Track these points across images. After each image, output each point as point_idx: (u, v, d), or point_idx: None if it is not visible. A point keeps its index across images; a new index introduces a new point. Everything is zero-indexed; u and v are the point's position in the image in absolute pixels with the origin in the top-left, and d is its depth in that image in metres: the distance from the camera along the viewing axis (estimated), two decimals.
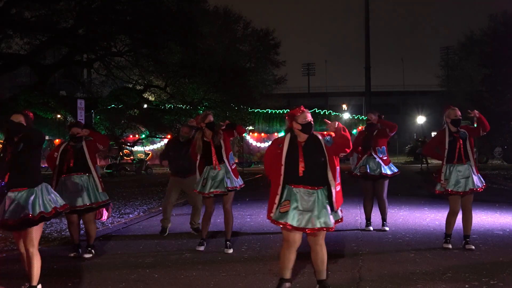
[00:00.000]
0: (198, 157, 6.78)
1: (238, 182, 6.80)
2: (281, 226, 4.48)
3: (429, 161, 29.18)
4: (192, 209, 8.30)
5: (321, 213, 4.44)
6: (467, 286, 4.92)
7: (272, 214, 4.57)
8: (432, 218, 9.14)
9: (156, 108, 26.14)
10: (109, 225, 8.98)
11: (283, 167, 4.55)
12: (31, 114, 4.84)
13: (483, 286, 4.90)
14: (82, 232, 7.02)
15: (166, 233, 8.01)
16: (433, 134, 55.20)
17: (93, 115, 26.11)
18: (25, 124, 4.69)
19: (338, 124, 4.52)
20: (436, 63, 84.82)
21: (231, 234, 6.85)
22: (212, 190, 6.63)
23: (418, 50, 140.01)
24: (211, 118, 6.72)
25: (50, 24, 21.53)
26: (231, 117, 25.54)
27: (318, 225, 4.41)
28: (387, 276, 5.32)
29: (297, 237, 4.53)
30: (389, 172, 7.85)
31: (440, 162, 6.65)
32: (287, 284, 4.64)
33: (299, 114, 4.60)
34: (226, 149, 6.70)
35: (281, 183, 4.55)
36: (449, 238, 6.62)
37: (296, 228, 4.42)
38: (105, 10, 21.24)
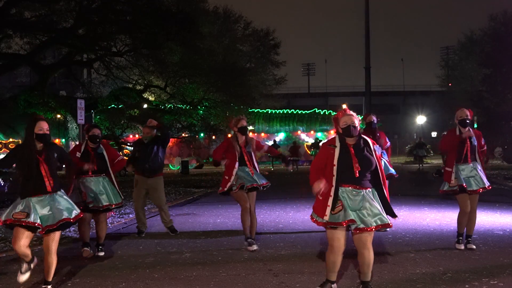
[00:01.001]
0: (225, 159, 6.87)
1: (263, 180, 6.92)
2: (338, 226, 4.41)
3: (427, 161, 29.21)
4: (159, 210, 8.24)
5: (372, 212, 4.38)
6: (467, 286, 4.92)
7: (326, 217, 4.46)
8: (432, 218, 9.14)
9: (156, 108, 26.13)
10: (109, 225, 8.97)
11: (335, 167, 4.49)
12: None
13: (483, 286, 4.90)
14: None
15: (143, 235, 7.98)
16: (433, 134, 55.33)
17: (93, 115, 26.12)
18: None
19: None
20: (436, 63, 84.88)
21: (255, 233, 6.96)
22: (247, 184, 6.72)
23: (418, 50, 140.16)
24: (244, 123, 6.86)
25: (50, 24, 21.54)
26: (231, 117, 25.55)
27: (373, 224, 4.36)
28: (387, 276, 5.32)
29: (342, 241, 4.49)
30: (394, 172, 7.88)
31: (441, 162, 6.65)
32: (333, 286, 4.66)
33: (341, 117, 4.56)
34: (255, 156, 6.98)
35: (334, 184, 4.48)
36: (461, 238, 6.59)
37: (354, 230, 4.37)
38: (105, 10, 21.24)
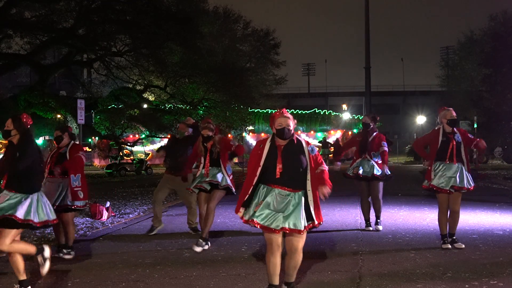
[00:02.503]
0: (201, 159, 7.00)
1: (230, 184, 6.95)
2: (250, 224, 4.48)
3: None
4: (187, 209, 8.28)
5: (292, 215, 4.36)
6: (467, 286, 4.92)
7: (240, 214, 4.57)
8: (432, 218, 9.13)
9: (156, 108, 26.14)
10: (109, 225, 8.98)
11: (260, 168, 4.53)
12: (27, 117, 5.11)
13: (483, 286, 4.91)
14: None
15: (154, 233, 7.96)
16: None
17: (93, 115, 26.15)
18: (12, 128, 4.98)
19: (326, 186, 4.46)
20: (436, 63, 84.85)
21: (208, 233, 6.86)
22: (197, 184, 6.89)
23: (418, 50, 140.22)
24: (207, 132, 6.85)
25: (50, 24, 21.55)
26: (231, 117, 25.58)
27: (286, 226, 4.33)
28: (387, 276, 5.32)
29: (279, 240, 4.45)
30: (380, 174, 7.83)
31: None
32: None
33: (276, 118, 4.57)
34: (223, 159, 6.92)
35: (253, 183, 4.52)
36: (446, 238, 6.63)
37: (263, 227, 4.38)
38: (105, 10, 21.25)
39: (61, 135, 6.61)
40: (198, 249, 6.62)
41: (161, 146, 8.41)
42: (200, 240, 6.71)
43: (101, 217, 9.39)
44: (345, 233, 7.81)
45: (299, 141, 4.60)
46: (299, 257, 4.51)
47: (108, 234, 8.18)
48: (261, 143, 4.65)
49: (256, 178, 4.52)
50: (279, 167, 4.46)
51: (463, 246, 6.50)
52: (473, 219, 8.67)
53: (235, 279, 5.31)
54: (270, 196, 4.44)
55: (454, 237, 6.63)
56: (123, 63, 25.16)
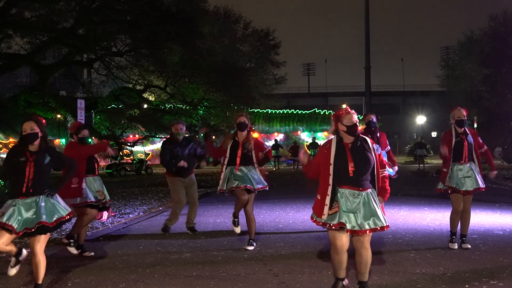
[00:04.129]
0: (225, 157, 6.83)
1: (261, 183, 6.80)
2: (333, 228, 4.39)
3: (427, 161, 29.16)
4: (189, 206, 8.25)
5: (369, 214, 4.36)
6: (467, 286, 4.92)
7: (324, 216, 4.44)
8: (432, 218, 9.14)
9: (156, 108, 26.13)
10: (109, 225, 8.98)
11: (331, 167, 4.46)
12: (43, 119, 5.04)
13: (483, 286, 4.91)
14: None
15: (169, 233, 7.98)
16: (433, 134, 55.32)
17: (93, 115, 26.12)
18: (39, 131, 4.88)
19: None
20: (436, 63, 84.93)
21: (254, 234, 6.94)
22: (240, 185, 6.61)
23: (418, 50, 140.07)
24: (243, 119, 6.76)
25: (50, 24, 21.54)
26: (231, 117, 25.54)
27: (367, 227, 4.35)
28: (387, 276, 5.32)
29: (345, 240, 4.45)
30: (393, 174, 7.86)
31: (441, 162, 6.67)
32: (344, 282, 4.64)
33: (344, 115, 4.51)
34: (256, 157, 6.81)
35: (331, 183, 4.45)
36: (455, 237, 6.61)
37: (349, 230, 4.36)
38: (105, 10, 21.24)
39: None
40: (250, 248, 6.73)
41: (167, 156, 8.08)
42: (251, 240, 6.84)
43: (101, 217, 9.37)
44: None
45: (364, 139, 4.57)
46: (370, 253, 4.52)
47: (108, 234, 8.18)
48: (325, 144, 4.61)
49: (331, 177, 4.45)
50: (351, 165, 4.41)
51: (469, 246, 6.48)
52: (473, 219, 8.62)
53: (235, 279, 5.31)
54: (341, 197, 4.42)
55: (465, 238, 6.59)
56: (123, 63, 25.15)
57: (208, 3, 29.75)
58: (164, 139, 9.73)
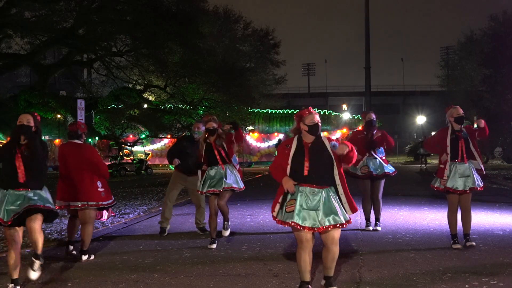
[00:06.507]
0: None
1: (239, 184, 6.99)
2: (290, 226, 4.47)
3: (428, 161, 29.13)
4: (196, 208, 8.28)
5: (328, 211, 4.44)
6: (467, 286, 4.92)
7: (274, 213, 4.61)
8: (432, 218, 9.14)
9: (156, 108, 26.15)
10: (109, 225, 8.98)
11: (289, 167, 4.59)
12: (38, 116, 5.07)
13: (483, 286, 4.90)
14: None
15: (166, 234, 8.00)
16: (433, 134, 55.40)
17: (93, 115, 26.15)
18: (33, 126, 4.92)
19: (347, 147, 4.52)
20: (436, 63, 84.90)
21: (228, 218, 7.29)
22: (209, 189, 6.90)
23: (418, 50, 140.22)
24: (213, 124, 6.89)
25: (50, 24, 21.55)
26: (231, 117, 25.58)
27: (327, 223, 4.42)
28: (387, 276, 5.32)
29: (309, 236, 4.53)
30: (391, 171, 7.93)
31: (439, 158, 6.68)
32: (309, 287, 4.64)
33: (306, 115, 4.63)
34: (229, 151, 6.97)
35: None
36: (456, 238, 6.61)
37: (304, 227, 4.42)
38: (105, 10, 21.26)
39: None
40: (227, 233, 7.22)
41: (173, 152, 8.12)
42: (226, 223, 7.27)
43: (101, 217, 9.39)
44: (345, 233, 7.80)
45: (322, 138, 4.67)
46: (337, 248, 4.59)
47: (108, 234, 8.18)
48: (287, 143, 4.71)
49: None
50: (306, 165, 4.51)
51: (474, 244, 6.49)
52: (473, 219, 8.59)
53: (235, 279, 5.31)
54: (300, 195, 4.49)
55: (468, 237, 6.59)
56: (123, 63, 25.19)
57: (208, 3, 29.82)
58: (164, 139, 9.76)
